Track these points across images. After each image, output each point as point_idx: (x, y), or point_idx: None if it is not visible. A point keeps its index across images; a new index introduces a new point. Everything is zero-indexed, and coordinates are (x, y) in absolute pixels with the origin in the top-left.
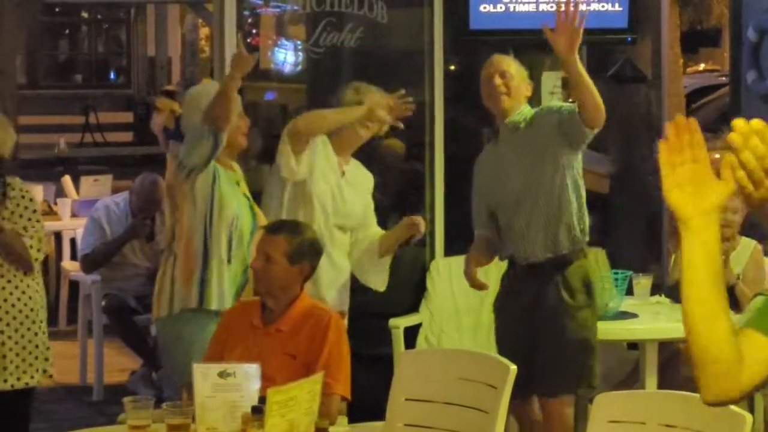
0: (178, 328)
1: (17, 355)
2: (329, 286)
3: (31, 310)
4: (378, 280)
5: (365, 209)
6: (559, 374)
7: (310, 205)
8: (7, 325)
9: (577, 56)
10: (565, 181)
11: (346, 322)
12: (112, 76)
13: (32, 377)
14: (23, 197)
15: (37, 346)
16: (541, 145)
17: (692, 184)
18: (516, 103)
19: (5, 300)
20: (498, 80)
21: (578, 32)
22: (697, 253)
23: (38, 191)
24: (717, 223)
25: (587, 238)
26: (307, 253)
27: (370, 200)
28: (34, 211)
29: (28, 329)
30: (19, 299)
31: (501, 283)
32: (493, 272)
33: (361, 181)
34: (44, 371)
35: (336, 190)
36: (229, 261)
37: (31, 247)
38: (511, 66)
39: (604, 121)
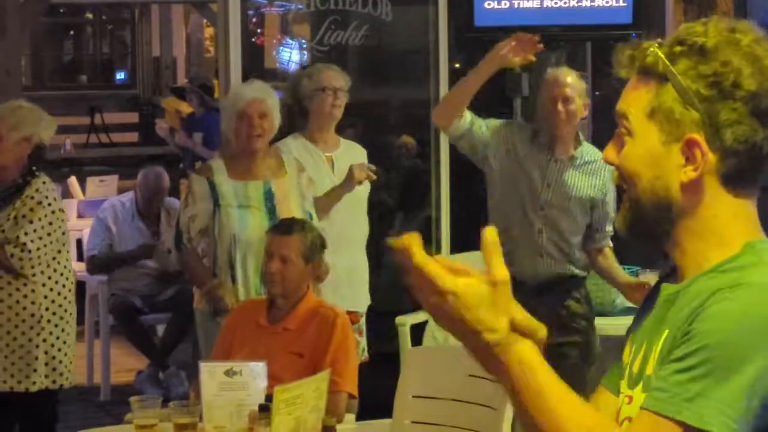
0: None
1: (6, 358)
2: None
3: (32, 315)
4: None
5: (364, 189)
6: (589, 382)
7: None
8: (0, 326)
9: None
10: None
11: (363, 320)
12: (117, 76)
13: (34, 383)
14: (32, 198)
15: (29, 352)
16: (591, 197)
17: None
18: (572, 127)
19: (2, 301)
20: (560, 107)
21: None
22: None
23: None
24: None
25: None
26: (318, 249)
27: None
28: (31, 210)
29: (23, 333)
30: (18, 302)
31: None
32: None
33: (355, 159)
34: (54, 381)
35: (329, 187)
36: (233, 281)
37: (12, 255)
38: (573, 88)
39: None
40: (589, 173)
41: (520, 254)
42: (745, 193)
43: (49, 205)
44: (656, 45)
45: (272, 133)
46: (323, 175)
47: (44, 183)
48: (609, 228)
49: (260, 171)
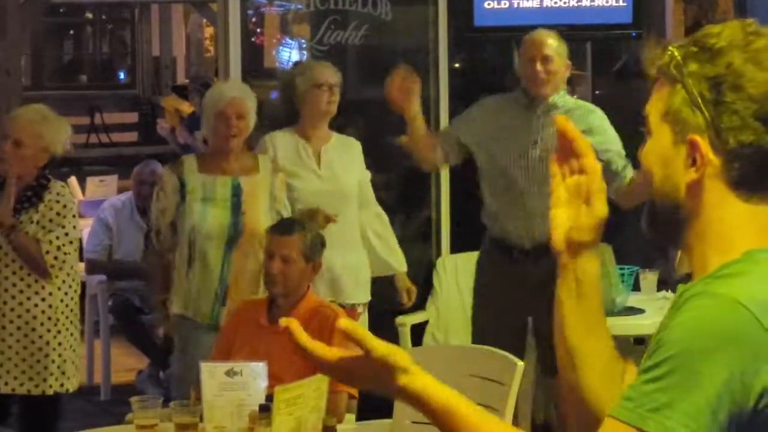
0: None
1: (24, 360)
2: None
3: (49, 318)
4: (398, 260)
5: (359, 182)
6: None
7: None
8: (18, 328)
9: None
10: None
11: (366, 316)
12: (117, 76)
13: (51, 386)
14: (58, 202)
15: (47, 355)
16: None
17: (573, 202)
18: (555, 89)
19: (21, 304)
20: (539, 66)
21: None
22: (566, 292)
23: None
24: (590, 260)
25: None
26: (319, 248)
27: (363, 171)
28: (58, 214)
29: (40, 337)
30: (36, 305)
31: (481, 269)
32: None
33: (345, 153)
34: (62, 384)
35: (315, 182)
36: (186, 274)
37: (47, 252)
38: (553, 49)
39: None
40: (574, 119)
41: (511, 217)
42: (760, 199)
43: (71, 209)
44: (675, 45)
45: (247, 133)
46: (308, 170)
47: (63, 187)
48: (617, 162)
49: (231, 168)
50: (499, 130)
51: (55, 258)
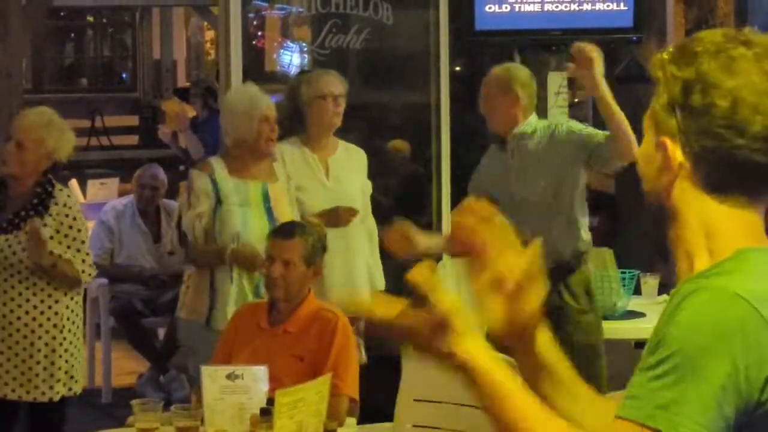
0: (206, 332)
1: (30, 369)
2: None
3: (54, 326)
4: (377, 279)
5: (363, 192)
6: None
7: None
8: (24, 337)
9: (607, 90)
10: (577, 194)
11: (362, 324)
12: (117, 79)
13: (58, 392)
14: (67, 216)
15: (53, 363)
16: (563, 163)
17: (499, 291)
18: (511, 122)
19: (27, 313)
20: (484, 108)
21: (595, 68)
22: (531, 374)
23: None
24: (540, 332)
25: (590, 247)
26: (319, 251)
27: (366, 182)
28: (70, 227)
29: (46, 344)
30: (42, 313)
31: None
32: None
33: (352, 163)
34: (70, 389)
35: (322, 194)
36: (232, 281)
37: (83, 271)
38: (489, 86)
39: (635, 153)
40: (544, 138)
41: None
42: (734, 201)
43: (81, 219)
44: (668, 49)
45: None
46: (316, 181)
47: (69, 197)
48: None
49: (259, 173)
50: (489, 177)
51: (90, 275)
